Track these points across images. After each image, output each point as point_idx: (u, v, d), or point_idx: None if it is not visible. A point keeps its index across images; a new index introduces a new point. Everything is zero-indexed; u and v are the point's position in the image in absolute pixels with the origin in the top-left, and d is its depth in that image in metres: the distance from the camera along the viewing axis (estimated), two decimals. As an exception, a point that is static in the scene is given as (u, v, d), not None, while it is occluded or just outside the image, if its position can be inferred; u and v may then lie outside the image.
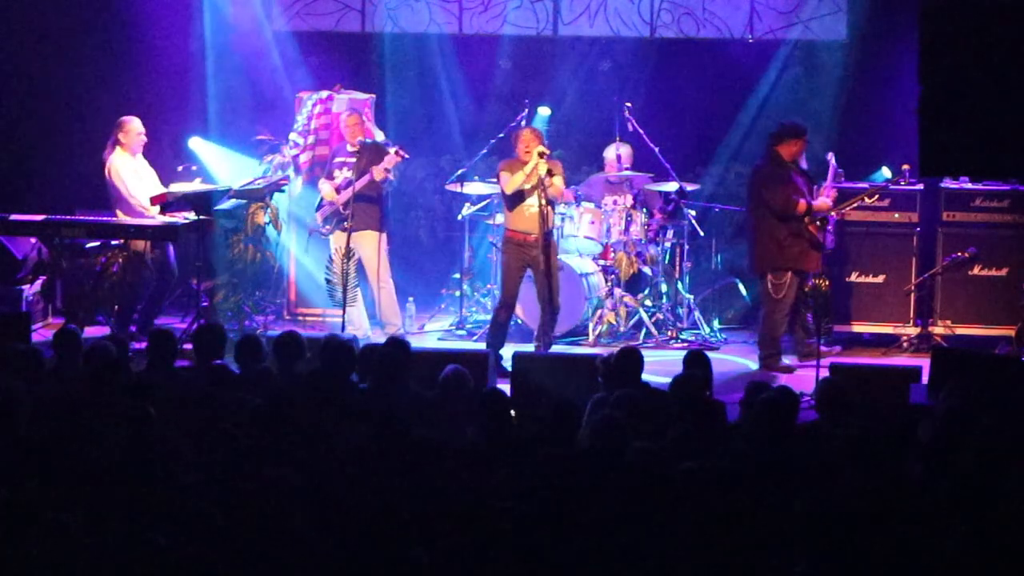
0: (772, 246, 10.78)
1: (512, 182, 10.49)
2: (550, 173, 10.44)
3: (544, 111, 12.85)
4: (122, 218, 11.42)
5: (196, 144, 12.69)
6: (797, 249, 10.73)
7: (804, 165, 11.01)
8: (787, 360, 11.04)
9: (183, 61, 13.44)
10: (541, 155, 10.39)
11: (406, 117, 13.44)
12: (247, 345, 8.44)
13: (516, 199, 10.58)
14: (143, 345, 9.65)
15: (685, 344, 11.62)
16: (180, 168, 12.09)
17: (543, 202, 10.42)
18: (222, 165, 12.68)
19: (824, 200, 10.86)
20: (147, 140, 11.60)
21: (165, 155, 12.07)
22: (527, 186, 10.50)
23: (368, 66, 13.58)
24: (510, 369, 9.59)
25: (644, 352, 8.48)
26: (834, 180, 11.09)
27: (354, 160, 11.39)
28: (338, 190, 11.47)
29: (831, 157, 11.15)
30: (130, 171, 11.41)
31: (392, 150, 11.29)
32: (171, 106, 12.56)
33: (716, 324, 12.33)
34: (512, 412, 7.59)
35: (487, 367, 9.35)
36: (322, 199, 11.67)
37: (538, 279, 10.57)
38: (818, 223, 10.74)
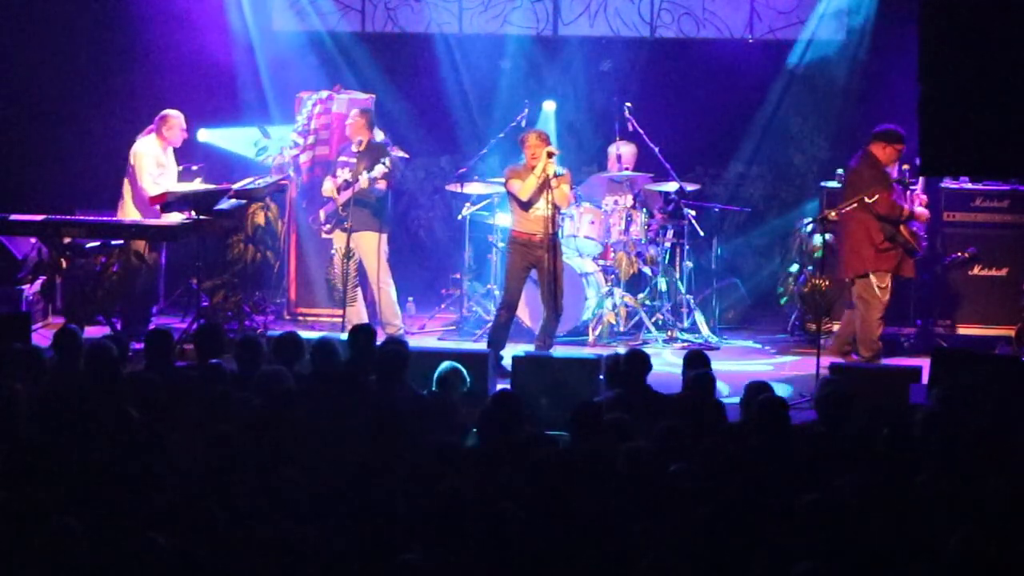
0: (869, 248, 10.61)
1: (526, 188, 10.44)
2: (557, 175, 10.45)
3: (549, 106, 12.85)
4: (126, 204, 11.47)
5: (205, 135, 12.72)
6: (893, 253, 10.61)
7: (895, 173, 10.84)
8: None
9: (184, 61, 13.43)
10: (550, 155, 10.39)
11: (406, 117, 13.43)
12: (246, 346, 8.44)
13: (527, 199, 10.56)
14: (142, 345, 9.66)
15: (685, 344, 11.62)
16: (180, 168, 12.10)
17: (549, 203, 10.42)
18: (236, 143, 12.73)
19: (923, 210, 10.69)
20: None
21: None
22: (535, 188, 10.51)
23: (368, 66, 13.58)
24: (510, 369, 9.60)
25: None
26: (924, 189, 10.86)
27: (354, 160, 11.38)
28: (339, 190, 11.46)
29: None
30: (152, 160, 11.48)
31: (382, 161, 11.22)
32: (171, 107, 12.53)
33: (716, 324, 12.32)
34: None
35: (487, 367, 9.35)
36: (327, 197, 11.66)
37: (542, 280, 10.56)
38: (912, 230, 10.64)
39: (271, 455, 6.67)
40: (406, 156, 11.60)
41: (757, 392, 7.47)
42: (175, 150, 11.91)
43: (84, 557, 5.44)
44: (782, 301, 12.58)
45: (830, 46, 13.29)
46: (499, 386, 9.29)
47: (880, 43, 13.00)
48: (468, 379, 8.11)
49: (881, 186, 10.56)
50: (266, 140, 12.67)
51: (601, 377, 8.49)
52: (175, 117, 11.61)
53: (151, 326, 11.05)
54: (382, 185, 11.31)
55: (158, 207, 11.35)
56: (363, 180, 11.15)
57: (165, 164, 11.62)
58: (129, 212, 11.55)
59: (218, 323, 10.04)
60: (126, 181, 11.58)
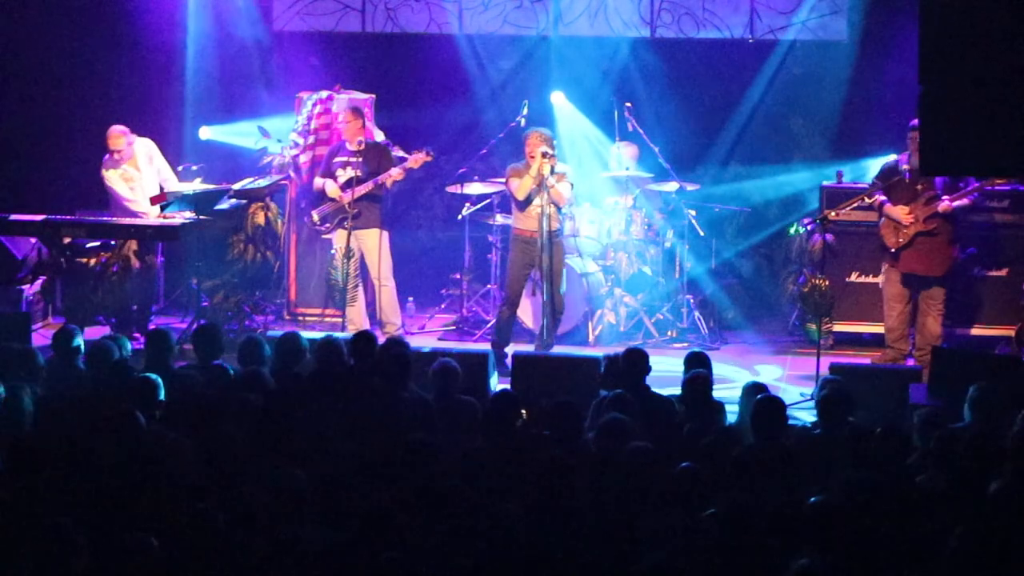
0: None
1: (521, 188, 10.59)
2: (553, 172, 10.49)
3: (558, 98, 12.84)
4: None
5: (206, 133, 12.71)
6: (880, 241, 10.82)
7: (914, 164, 10.78)
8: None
9: (184, 60, 13.44)
10: (544, 155, 10.44)
11: (406, 117, 13.42)
12: (249, 346, 8.44)
13: (523, 199, 10.64)
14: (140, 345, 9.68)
15: (685, 344, 11.61)
16: (180, 168, 12.11)
17: (546, 202, 10.46)
18: (239, 137, 12.75)
19: (900, 208, 10.64)
20: (150, 139, 11.72)
21: (167, 154, 12.06)
22: (533, 187, 10.57)
23: (368, 66, 13.58)
24: (510, 369, 9.60)
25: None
26: (964, 193, 10.63)
27: (356, 159, 11.33)
28: (343, 189, 11.41)
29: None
30: (117, 179, 11.55)
31: (422, 152, 11.28)
32: (171, 106, 12.56)
33: (716, 324, 12.31)
34: (523, 412, 7.61)
35: (487, 366, 9.35)
36: (318, 198, 11.60)
37: (541, 279, 10.60)
38: (894, 223, 10.68)
39: (271, 455, 6.67)
40: (406, 156, 11.60)
41: (754, 393, 7.47)
42: (177, 149, 11.93)
43: (79, 558, 5.43)
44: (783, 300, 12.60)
45: (830, 46, 13.29)
46: (500, 385, 9.30)
47: (880, 42, 13.00)
48: (459, 373, 8.13)
49: (880, 173, 10.85)
50: (265, 140, 12.68)
51: (601, 373, 8.48)
52: (108, 137, 11.62)
53: (150, 326, 11.05)
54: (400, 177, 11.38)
55: (157, 207, 11.36)
56: (396, 172, 11.19)
57: (133, 179, 11.63)
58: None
59: (217, 323, 10.04)
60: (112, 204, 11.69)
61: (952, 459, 6.47)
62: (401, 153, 11.61)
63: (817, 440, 7.20)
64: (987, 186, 10.85)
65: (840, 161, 12.46)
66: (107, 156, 11.64)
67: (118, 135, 11.63)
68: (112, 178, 11.59)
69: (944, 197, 10.61)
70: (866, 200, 10.84)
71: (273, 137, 12.65)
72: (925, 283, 10.77)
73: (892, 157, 10.93)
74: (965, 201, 10.72)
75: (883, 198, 10.72)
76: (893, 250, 10.71)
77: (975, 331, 11.64)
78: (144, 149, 11.73)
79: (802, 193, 13.16)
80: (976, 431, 6.80)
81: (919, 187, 10.63)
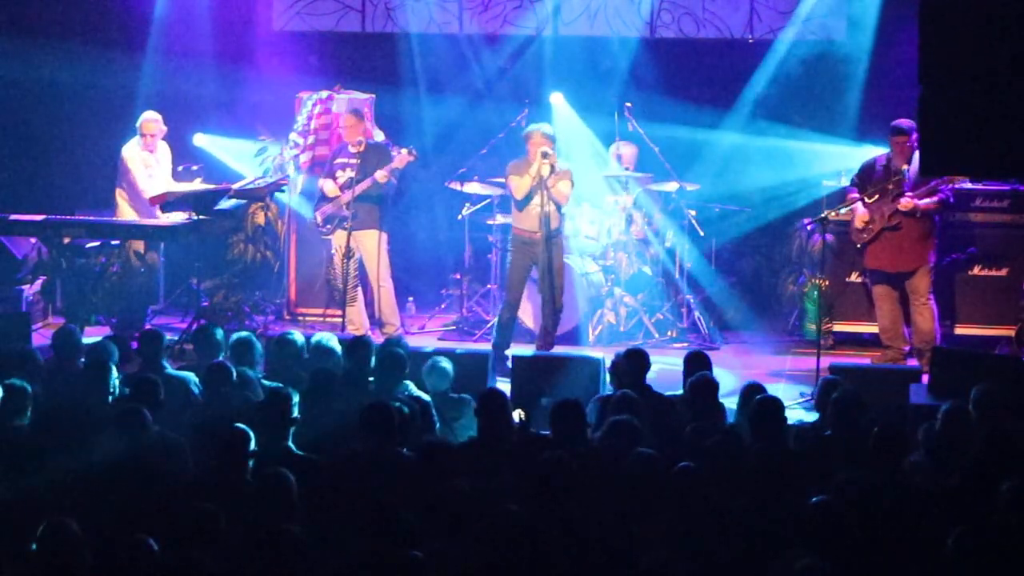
0: None
1: (519, 187, 10.59)
2: (553, 172, 10.49)
3: (557, 98, 12.85)
4: (122, 209, 11.51)
5: (201, 140, 12.72)
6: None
7: (895, 165, 10.86)
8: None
9: (183, 61, 13.44)
10: (544, 156, 10.44)
11: (406, 117, 13.43)
12: (240, 346, 8.44)
13: (521, 198, 10.65)
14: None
15: (685, 344, 11.61)
16: (180, 168, 12.10)
17: (546, 201, 10.46)
18: (230, 153, 12.75)
19: (858, 207, 10.80)
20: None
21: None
22: (532, 186, 10.58)
23: (368, 66, 13.58)
24: (510, 368, 9.61)
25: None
26: (926, 191, 10.69)
27: (356, 160, 11.35)
28: (342, 190, 11.43)
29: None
30: (139, 162, 11.53)
31: (404, 150, 11.30)
32: (171, 106, 12.54)
33: (716, 324, 12.32)
34: (520, 413, 7.60)
35: (487, 367, 9.35)
36: (321, 198, 11.63)
37: (541, 278, 10.60)
38: (859, 221, 10.84)
39: (270, 456, 6.67)
40: (416, 157, 11.60)
41: (753, 393, 7.47)
42: (175, 150, 11.94)
43: (81, 558, 5.43)
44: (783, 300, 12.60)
45: (831, 45, 13.29)
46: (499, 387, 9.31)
47: (881, 41, 12.99)
48: (451, 374, 8.14)
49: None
50: (266, 140, 12.69)
51: (609, 374, 8.47)
52: (143, 117, 11.67)
53: (147, 326, 11.04)
54: (394, 179, 11.36)
55: (158, 207, 11.36)
56: (380, 174, 11.19)
57: (152, 165, 11.66)
58: (124, 215, 11.59)
59: (213, 323, 10.05)
60: (118, 189, 11.64)
61: (953, 459, 6.47)
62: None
63: (816, 440, 7.19)
64: (946, 184, 10.83)
65: (840, 160, 12.45)
66: (136, 137, 11.64)
67: (154, 121, 11.66)
68: (134, 158, 11.56)
69: (907, 193, 10.67)
70: (866, 200, 10.84)
71: (272, 138, 12.65)
72: (901, 280, 10.83)
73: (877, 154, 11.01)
74: (932, 199, 10.72)
75: (856, 195, 10.84)
76: (859, 245, 10.84)
77: (975, 331, 11.63)
78: (164, 149, 11.79)
79: (802, 193, 13.15)
80: (981, 432, 6.80)
81: (891, 185, 10.70)
